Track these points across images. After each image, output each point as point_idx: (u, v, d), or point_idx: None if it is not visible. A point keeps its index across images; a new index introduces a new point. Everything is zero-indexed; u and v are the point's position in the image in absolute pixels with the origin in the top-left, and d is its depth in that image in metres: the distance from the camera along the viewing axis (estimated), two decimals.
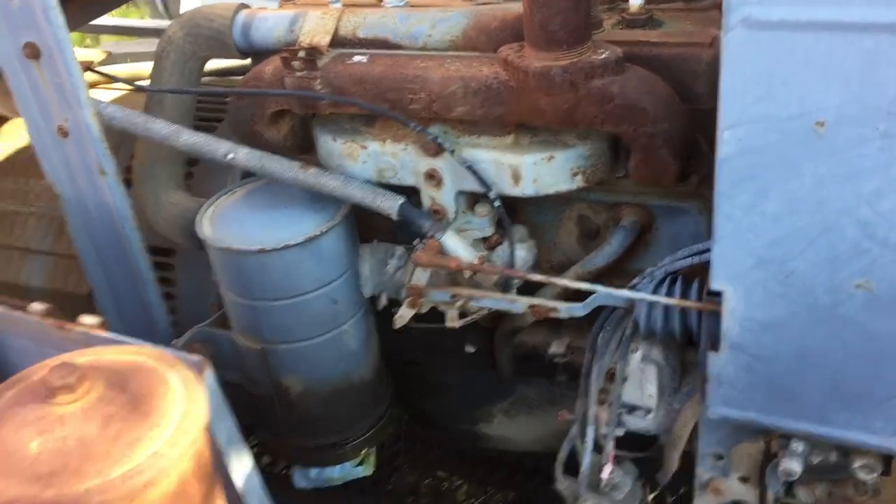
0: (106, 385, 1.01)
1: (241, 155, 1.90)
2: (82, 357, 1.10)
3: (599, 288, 1.70)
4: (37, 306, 1.66)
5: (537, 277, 1.76)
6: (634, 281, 1.75)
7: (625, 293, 1.69)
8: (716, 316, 1.54)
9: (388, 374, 2.32)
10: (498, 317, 2.17)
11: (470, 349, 2.31)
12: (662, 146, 1.64)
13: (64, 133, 1.93)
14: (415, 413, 2.61)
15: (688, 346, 1.84)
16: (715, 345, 1.56)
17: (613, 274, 1.96)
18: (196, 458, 1.03)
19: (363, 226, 2.09)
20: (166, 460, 0.96)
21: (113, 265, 2.14)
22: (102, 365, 1.04)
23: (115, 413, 0.98)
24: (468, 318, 1.97)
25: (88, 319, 1.60)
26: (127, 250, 2.10)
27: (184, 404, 1.03)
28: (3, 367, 1.81)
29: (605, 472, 1.86)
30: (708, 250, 1.61)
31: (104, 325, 1.61)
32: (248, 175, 2.23)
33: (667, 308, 1.67)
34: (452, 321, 1.98)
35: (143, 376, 1.05)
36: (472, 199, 1.92)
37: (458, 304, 1.87)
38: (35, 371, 1.07)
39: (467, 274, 1.86)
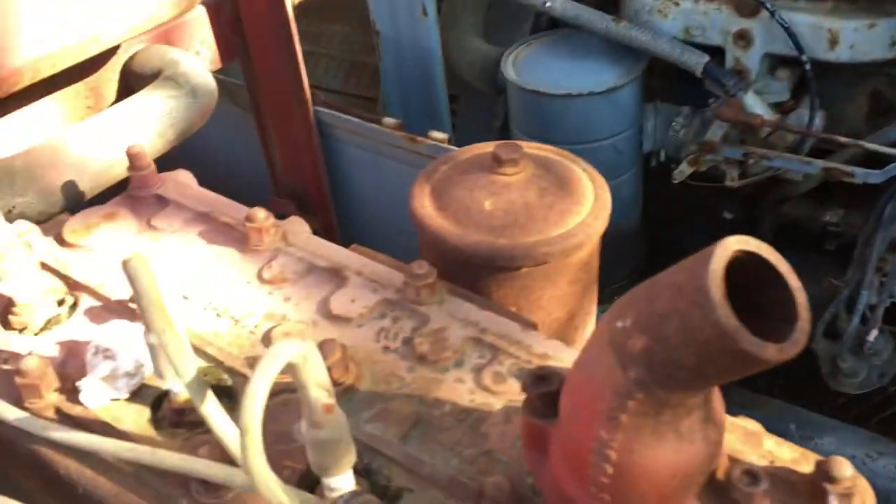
0: (536, 165, 1.21)
1: (558, 4, 2.04)
2: None
3: None
4: (389, 120, 1.91)
5: (844, 140, 1.83)
6: None
7: None
8: None
9: (646, 233, 2.47)
10: (763, 186, 2.26)
11: (727, 216, 2.42)
12: None
13: None
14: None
15: None
16: None
17: None
18: (599, 238, 1.23)
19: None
20: (589, 231, 1.16)
21: (414, 102, 2.38)
22: (526, 152, 1.24)
23: (546, 188, 1.19)
24: (750, 179, 2.07)
25: (437, 134, 1.83)
26: (431, 89, 2.32)
27: (594, 190, 1.22)
28: (339, 170, 2.09)
29: (871, 336, 1.96)
30: None
31: (450, 140, 1.84)
32: (538, 28, 2.38)
33: None
34: (733, 181, 2.09)
35: (558, 165, 1.25)
36: (775, 64, 1.99)
37: (751, 162, 1.97)
38: (463, 153, 1.28)
39: (763, 133, 1.96)
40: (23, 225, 1.20)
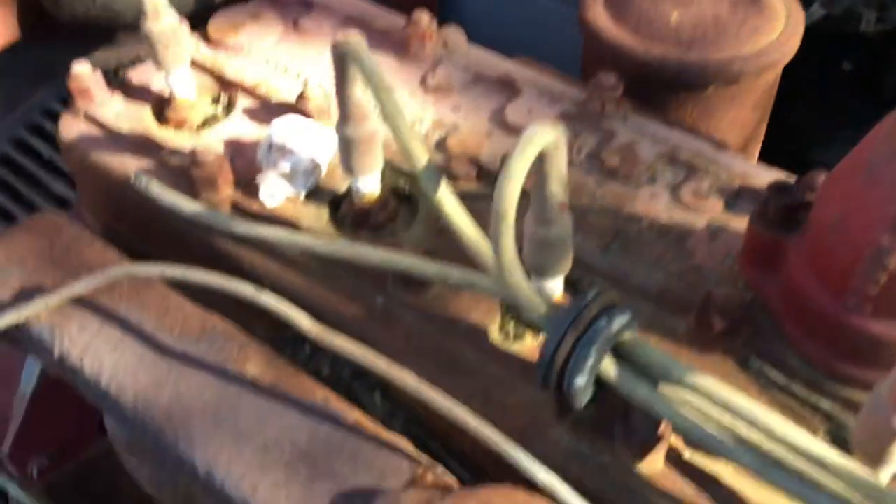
0: None
1: None
2: None
3: None
4: None
5: None
6: None
7: None
8: None
9: None
10: (893, 37, 2.11)
11: (847, 67, 2.28)
12: None
13: None
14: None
15: None
16: None
17: None
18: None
19: None
20: (784, 50, 1.08)
21: None
22: None
23: (738, 2, 1.09)
24: (888, 25, 1.93)
25: None
26: None
27: (786, 8, 1.12)
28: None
29: None
30: None
31: None
32: None
33: None
34: (868, 26, 1.95)
35: None
36: None
37: None
38: None
39: None
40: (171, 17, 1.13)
